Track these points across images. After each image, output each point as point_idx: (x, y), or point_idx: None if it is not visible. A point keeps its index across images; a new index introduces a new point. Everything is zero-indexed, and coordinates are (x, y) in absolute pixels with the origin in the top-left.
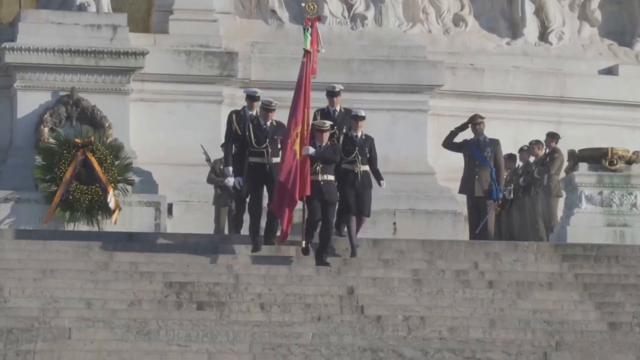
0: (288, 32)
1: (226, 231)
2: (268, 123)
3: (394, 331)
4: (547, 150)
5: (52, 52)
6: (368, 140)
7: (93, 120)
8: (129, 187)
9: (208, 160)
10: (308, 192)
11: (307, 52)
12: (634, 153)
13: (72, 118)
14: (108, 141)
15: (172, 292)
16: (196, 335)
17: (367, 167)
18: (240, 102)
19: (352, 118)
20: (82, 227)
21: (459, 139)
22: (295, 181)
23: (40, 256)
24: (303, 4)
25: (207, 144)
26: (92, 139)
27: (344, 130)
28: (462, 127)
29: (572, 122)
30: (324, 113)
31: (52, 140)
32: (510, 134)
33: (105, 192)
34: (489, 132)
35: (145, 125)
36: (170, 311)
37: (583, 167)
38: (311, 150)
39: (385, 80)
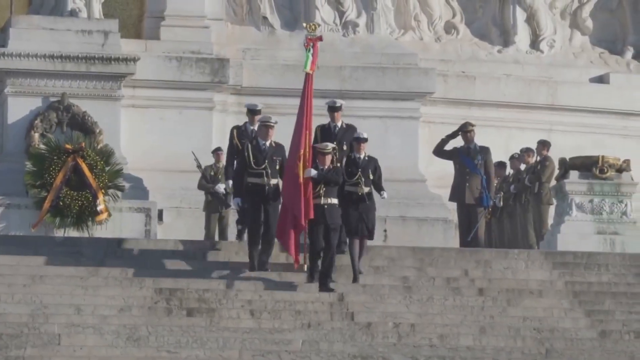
0: (280, 39)
1: (216, 237)
2: (267, 143)
3: (384, 338)
4: (538, 158)
5: (43, 57)
6: (371, 162)
7: (84, 126)
8: (119, 193)
9: (199, 166)
10: (311, 216)
11: (307, 74)
12: (624, 161)
13: (63, 124)
14: (99, 147)
15: (162, 298)
16: (186, 341)
17: (370, 189)
18: (232, 109)
19: (354, 140)
20: (73, 233)
21: (449, 146)
22: (299, 205)
23: (30, 262)
24: (304, 24)
25: (198, 151)
26: (83, 144)
27: (345, 148)
28: (453, 135)
29: (563, 130)
30: (325, 129)
31: (42, 146)
32: (502, 141)
33: (96, 198)
34: (480, 139)
35: (136, 131)
36: (160, 317)
37: (574, 175)
38: (313, 172)
39: (377, 88)
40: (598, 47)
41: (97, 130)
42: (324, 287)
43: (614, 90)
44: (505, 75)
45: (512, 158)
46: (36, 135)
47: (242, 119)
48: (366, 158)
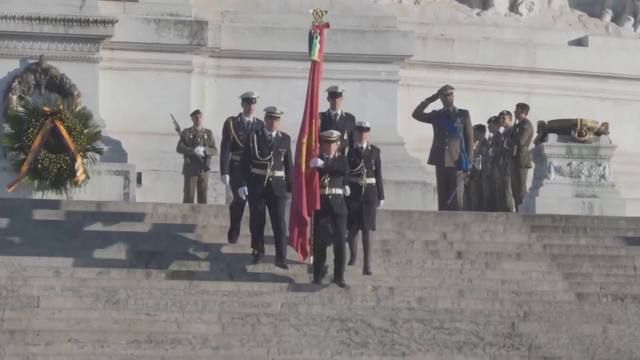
0: (258, 2)
1: (195, 200)
2: (273, 134)
3: (362, 301)
4: (517, 121)
5: (20, 19)
6: (374, 152)
7: (62, 88)
8: (97, 156)
9: (178, 129)
10: (317, 207)
11: (314, 62)
12: (602, 124)
13: (41, 86)
14: (77, 110)
15: (141, 261)
16: (165, 304)
17: (372, 180)
18: (210, 72)
19: (356, 129)
20: (51, 195)
21: (428, 109)
22: (301, 196)
23: (9, 224)
24: (311, 10)
25: (177, 113)
26: (61, 107)
27: (345, 137)
28: (433, 98)
29: (541, 92)
30: (325, 117)
31: (20, 109)
32: (480, 104)
33: (74, 161)
34: (459, 102)
35: (114, 94)
36: (139, 280)
37: (552, 138)
38: (319, 162)
39: (356, 51)
40: (577, 10)
41: (76, 93)
42: (339, 283)
43: (592, 53)
44: (484, 39)
45: (490, 121)
46: (14, 98)
47: (221, 82)
48: (369, 148)
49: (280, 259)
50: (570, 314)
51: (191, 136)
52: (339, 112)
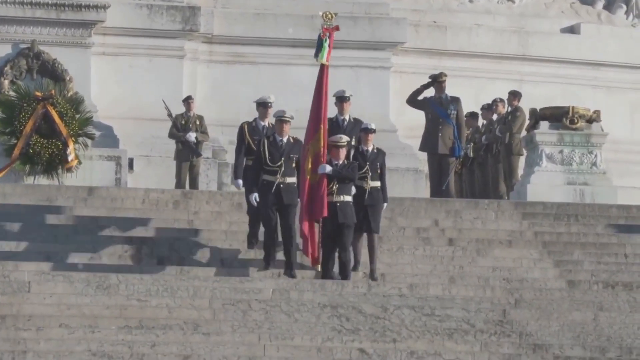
0: None
1: (187, 186)
2: (284, 139)
3: (354, 287)
4: (509, 109)
5: (13, 4)
6: (380, 155)
7: (54, 73)
8: (89, 141)
9: (170, 115)
10: (325, 214)
11: (323, 65)
12: (594, 112)
13: (33, 71)
14: (69, 95)
15: (133, 246)
16: (156, 290)
17: (377, 183)
18: (203, 57)
19: (362, 131)
20: (43, 181)
21: (421, 96)
22: (306, 202)
23: (0, 209)
24: (320, 13)
25: (169, 99)
26: (53, 92)
27: (353, 143)
28: (426, 85)
29: (533, 80)
30: (333, 123)
31: (12, 93)
32: (473, 91)
33: (66, 146)
34: (451, 89)
35: (106, 79)
36: (130, 266)
37: (544, 125)
38: (328, 168)
39: (348, 37)
40: None
41: (67, 78)
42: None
43: (584, 40)
44: (477, 26)
45: (483, 108)
46: (6, 82)
47: (213, 67)
48: (374, 151)
49: (289, 268)
50: (561, 301)
51: (183, 122)
52: (347, 118)
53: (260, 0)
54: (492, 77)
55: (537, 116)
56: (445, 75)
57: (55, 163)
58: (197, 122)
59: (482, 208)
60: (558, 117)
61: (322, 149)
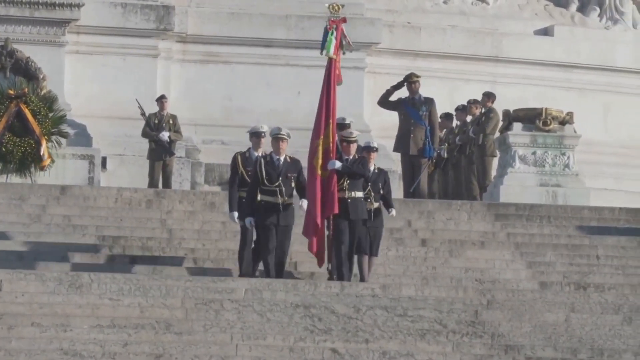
0: None
1: (160, 185)
2: (281, 158)
3: (326, 288)
4: (483, 110)
5: None
6: (381, 175)
7: (27, 71)
8: (62, 140)
9: (143, 114)
10: (336, 210)
11: (331, 59)
12: (567, 114)
13: (6, 69)
14: (42, 93)
15: (105, 245)
16: (128, 289)
17: (378, 204)
18: (176, 57)
19: (364, 150)
20: (15, 179)
21: (394, 97)
22: (315, 199)
23: None
24: (327, 5)
25: (142, 98)
26: (26, 90)
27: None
28: (398, 86)
29: (507, 81)
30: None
31: None
32: (446, 92)
33: (39, 145)
34: (425, 90)
35: (80, 78)
36: (103, 265)
37: (517, 127)
38: (337, 164)
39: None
40: (543, 0)
41: (41, 76)
42: (342, 275)
43: (558, 42)
44: (451, 27)
45: (457, 109)
46: None
47: (186, 67)
48: (376, 170)
49: (280, 271)
50: (533, 303)
51: (156, 121)
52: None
53: (234, 0)
54: (465, 78)
55: (511, 117)
56: (417, 76)
57: (28, 162)
58: (171, 122)
59: (455, 209)
60: (531, 118)
61: (331, 144)
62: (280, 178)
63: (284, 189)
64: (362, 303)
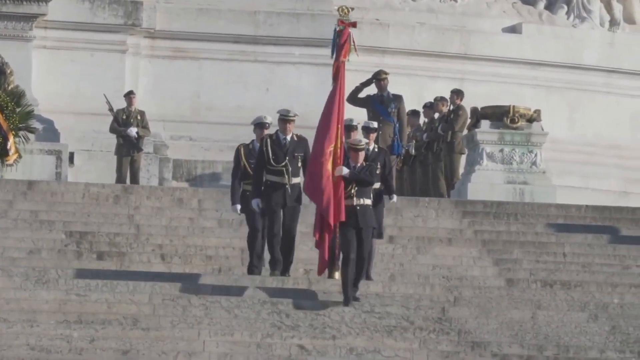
0: None
1: (128, 181)
2: (288, 137)
3: (294, 284)
4: (451, 107)
5: None
6: (381, 154)
7: None
8: (30, 135)
9: (111, 109)
10: (343, 218)
11: (341, 62)
12: (535, 111)
13: None
14: (9, 88)
15: (72, 241)
16: (95, 285)
17: (379, 185)
18: (145, 52)
19: (363, 129)
20: None
21: (362, 94)
22: (329, 205)
23: None
24: (337, 8)
25: (110, 93)
26: None
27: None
28: (367, 83)
29: (475, 79)
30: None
31: None
32: (415, 90)
33: (6, 140)
34: (393, 87)
35: (47, 73)
36: (70, 260)
37: (485, 124)
38: (345, 170)
39: (291, 34)
40: None
41: (8, 71)
42: (348, 299)
43: (526, 40)
44: (419, 24)
45: (425, 107)
46: None
47: (155, 62)
48: (376, 150)
49: (287, 268)
50: (500, 300)
51: (124, 117)
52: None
53: None
54: (433, 75)
55: (478, 115)
56: (386, 73)
57: None
58: (139, 117)
59: (423, 206)
60: (499, 116)
61: (339, 150)
62: (287, 157)
63: (290, 168)
64: (330, 299)
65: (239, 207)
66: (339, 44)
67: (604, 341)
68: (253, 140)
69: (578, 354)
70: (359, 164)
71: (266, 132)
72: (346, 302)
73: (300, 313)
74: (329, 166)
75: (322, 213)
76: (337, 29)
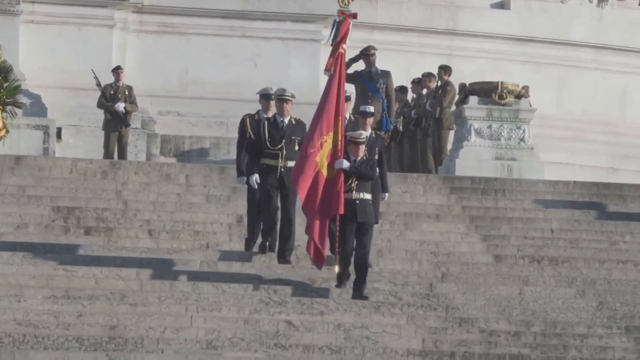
0: None
1: (115, 157)
2: (286, 120)
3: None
4: (440, 83)
5: None
6: (378, 141)
7: None
8: (18, 110)
9: (98, 84)
10: (341, 211)
11: (339, 52)
12: (523, 87)
13: None
14: None
15: (60, 216)
16: (83, 260)
17: (376, 171)
18: (133, 27)
19: (359, 114)
20: None
21: (350, 70)
22: (315, 197)
23: None
24: None
25: (98, 69)
26: None
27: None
28: (355, 59)
29: (463, 55)
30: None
31: None
32: (403, 65)
33: None
34: (381, 63)
35: (35, 48)
36: (58, 236)
37: (473, 100)
38: (345, 164)
39: (279, 9)
40: None
41: None
42: (359, 294)
43: (514, 16)
44: (407, 0)
45: (413, 82)
46: None
47: (143, 37)
48: (373, 135)
49: (284, 255)
50: (488, 276)
51: (112, 92)
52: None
53: None
54: (421, 51)
55: (466, 91)
56: (374, 49)
57: None
58: (126, 92)
59: (411, 182)
60: (487, 92)
61: (339, 142)
62: (284, 141)
63: (285, 152)
64: (317, 275)
65: (244, 179)
66: (339, 35)
67: (591, 317)
68: (259, 111)
69: (565, 329)
70: (359, 158)
71: (272, 102)
72: (356, 295)
73: (287, 289)
74: (318, 158)
75: (302, 210)
76: (337, 20)
